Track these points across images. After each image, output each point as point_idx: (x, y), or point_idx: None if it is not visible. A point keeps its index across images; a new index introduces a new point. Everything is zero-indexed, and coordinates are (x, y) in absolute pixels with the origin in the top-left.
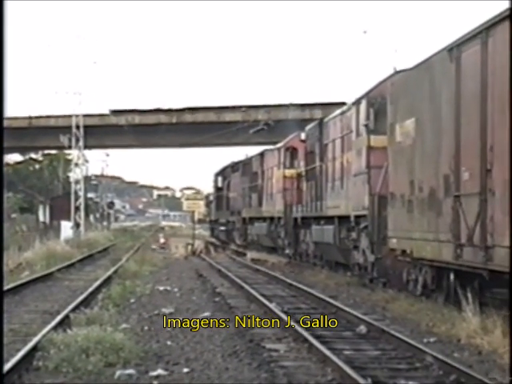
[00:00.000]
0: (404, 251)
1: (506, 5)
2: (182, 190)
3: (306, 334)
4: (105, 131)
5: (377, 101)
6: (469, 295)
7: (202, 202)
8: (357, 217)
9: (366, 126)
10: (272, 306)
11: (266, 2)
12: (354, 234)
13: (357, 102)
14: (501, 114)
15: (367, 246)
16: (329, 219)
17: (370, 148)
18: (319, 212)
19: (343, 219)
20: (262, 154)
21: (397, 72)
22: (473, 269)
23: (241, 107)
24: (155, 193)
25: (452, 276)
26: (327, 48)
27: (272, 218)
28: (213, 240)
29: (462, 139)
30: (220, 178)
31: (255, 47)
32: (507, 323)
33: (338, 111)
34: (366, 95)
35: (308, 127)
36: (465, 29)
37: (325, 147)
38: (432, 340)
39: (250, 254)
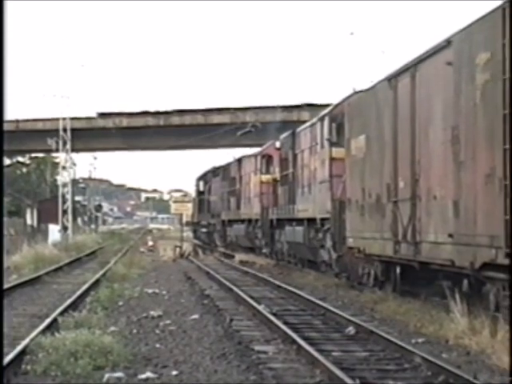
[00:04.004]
0: (359, 249)
1: (495, 4)
2: (169, 193)
3: (294, 335)
4: (92, 134)
5: (338, 118)
6: (457, 296)
7: (189, 205)
8: (322, 219)
9: (329, 139)
10: (261, 307)
11: (253, 4)
12: (320, 235)
13: (322, 118)
14: (424, 134)
15: (331, 245)
16: (299, 221)
17: (331, 159)
18: (291, 214)
19: (311, 221)
20: (239, 160)
21: (355, 92)
22: (407, 261)
23: (228, 109)
24: (143, 195)
25: (398, 269)
26: (314, 49)
27: (250, 220)
28: (195, 241)
29: (399, 154)
30: (201, 183)
31: (243, 49)
32: (495, 324)
33: (308, 124)
34: (329, 112)
35: (282, 136)
36: (458, 26)
37: (296, 156)
38: (420, 341)
39: (238, 256)
